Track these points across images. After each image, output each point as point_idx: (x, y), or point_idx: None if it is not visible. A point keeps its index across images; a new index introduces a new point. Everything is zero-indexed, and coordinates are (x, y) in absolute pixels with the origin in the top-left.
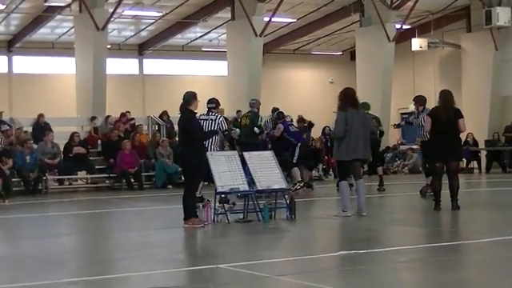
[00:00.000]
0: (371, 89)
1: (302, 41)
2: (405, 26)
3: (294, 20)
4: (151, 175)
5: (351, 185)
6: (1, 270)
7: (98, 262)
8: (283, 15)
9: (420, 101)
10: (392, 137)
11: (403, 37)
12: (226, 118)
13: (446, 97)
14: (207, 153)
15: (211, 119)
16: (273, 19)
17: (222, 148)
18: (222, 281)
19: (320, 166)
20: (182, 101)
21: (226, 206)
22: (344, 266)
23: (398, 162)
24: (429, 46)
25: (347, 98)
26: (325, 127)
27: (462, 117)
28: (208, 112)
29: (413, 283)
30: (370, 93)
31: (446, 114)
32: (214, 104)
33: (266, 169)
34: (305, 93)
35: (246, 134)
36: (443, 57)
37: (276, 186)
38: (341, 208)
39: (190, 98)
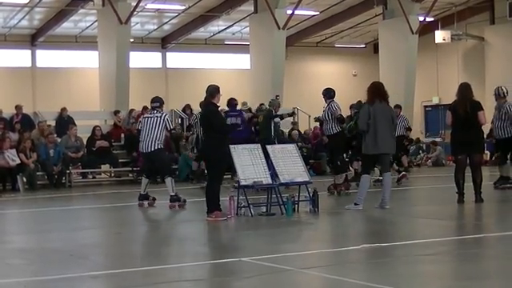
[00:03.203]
0: (394, 81)
1: (324, 34)
2: (428, 19)
3: (317, 13)
4: (174, 169)
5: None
6: (25, 263)
7: (122, 256)
8: (306, 8)
9: (327, 94)
10: (415, 130)
11: (426, 29)
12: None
13: (462, 90)
14: (230, 146)
15: (156, 116)
16: (296, 12)
17: (167, 146)
18: (246, 274)
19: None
20: (204, 94)
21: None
22: (367, 259)
23: (422, 154)
24: (452, 39)
25: (375, 91)
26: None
27: (481, 109)
28: (152, 111)
29: (437, 276)
30: (393, 85)
31: (463, 108)
32: (158, 103)
33: (289, 162)
34: (328, 85)
35: (260, 131)
36: (467, 49)
37: (299, 179)
38: (355, 201)
39: (213, 91)
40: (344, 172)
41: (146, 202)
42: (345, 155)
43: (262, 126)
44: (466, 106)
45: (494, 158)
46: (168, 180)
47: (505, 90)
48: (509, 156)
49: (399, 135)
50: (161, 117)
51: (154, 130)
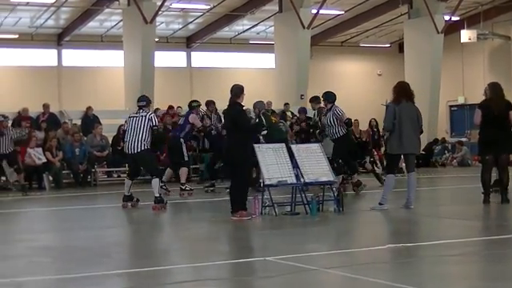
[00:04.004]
0: (420, 81)
1: (349, 33)
2: (454, 18)
3: (342, 12)
4: (198, 168)
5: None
6: (50, 261)
7: (146, 254)
8: (331, 7)
9: (329, 98)
10: (440, 130)
11: (452, 28)
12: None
13: (496, 89)
14: (255, 145)
15: (142, 116)
16: (320, 11)
17: (153, 145)
18: (270, 273)
19: (367, 159)
20: (229, 94)
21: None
22: (392, 259)
23: (447, 154)
24: (478, 38)
25: (402, 91)
26: (371, 120)
27: None
28: (138, 110)
29: (462, 276)
30: (418, 85)
31: (498, 107)
32: (144, 102)
33: (314, 161)
34: (353, 85)
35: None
36: (493, 48)
37: (324, 179)
38: (380, 200)
39: (238, 91)
40: (341, 174)
41: (129, 203)
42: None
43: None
44: (500, 104)
45: None
46: (155, 181)
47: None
48: None
49: None
50: (146, 116)
51: (139, 131)
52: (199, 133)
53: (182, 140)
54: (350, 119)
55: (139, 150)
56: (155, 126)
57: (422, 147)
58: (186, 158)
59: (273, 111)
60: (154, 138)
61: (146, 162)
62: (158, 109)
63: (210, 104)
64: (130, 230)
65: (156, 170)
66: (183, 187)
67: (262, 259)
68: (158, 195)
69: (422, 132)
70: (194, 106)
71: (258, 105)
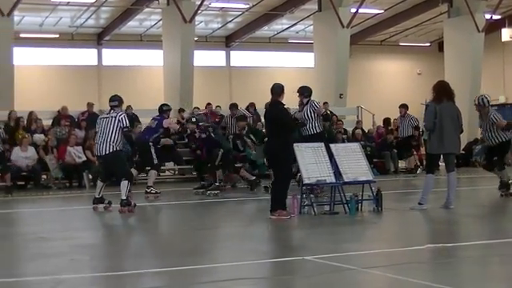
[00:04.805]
0: (460, 80)
1: (389, 32)
2: (494, 17)
3: (381, 11)
4: (238, 167)
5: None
6: (90, 259)
7: (186, 253)
8: (370, 6)
9: (305, 92)
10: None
11: (493, 27)
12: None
13: None
14: (294, 145)
15: (112, 116)
16: (360, 10)
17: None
18: (309, 273)
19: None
20: (269, 93)
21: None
22: (431, 260)
23: None
24: None
25: (442, 90)
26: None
27: None
28: (110, 110)
29: (503, 277)
30: (458, 84)
31: None
32: (116, 102)
33: (353, 161)
34: (392, 84)
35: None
36: None
37: (363, 178)
38: (419, 200)
39: (279, 89)
40: None
41: (100, 206)
42: None
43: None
44: None
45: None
46: (123, 183)
47: (488, 98)
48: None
49: (407, 136)
50: (116, 117)
51: (109, 132)
52: (178, 134)
53: (150, 143)
54: (328, 113)
55: (107, 152)
56: (126, 127)
57: (462, 147)
58: (156, 162)
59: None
60: (126, 140)
61: (115, 163)
62: (196, 108)
63: (232, 108)
64: (169, 229)
65: (125, 173)
66: (148, 190)
67: (300, 258)
68: (124, 198)
69: (462, 131)
70: (165, 109)
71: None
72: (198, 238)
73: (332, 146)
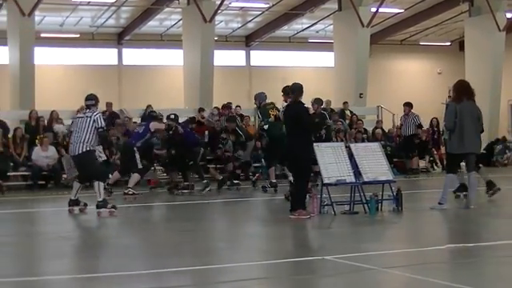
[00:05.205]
0: (480, 80)
1: (409, 31)
2: None
3: (402, 10)
4: (259, 166)
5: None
6: (105, 258)
7: (203, 252)
8: (390, 5)
9: (291, 92)
10: (501, 129)
11: None
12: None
13: None
14: (314, 144)
15: (87, 116)
16: (380, 9)
17: (101, 145)
18: (328, 272)
19: (427, 158)
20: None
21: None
22: (451, 260)
23: (508, 154)
24: None
25: (463, 90)
26: (432, 119)
27: None
28: (86, 109)
29: None
30: (479, 84)
31: None
32: (92, 101)
33: (373, 160)
34: (412, 84)
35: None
36: None
37: (382, 178)
38: (439, 200)
39: (300, 89)
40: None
41: (76, 208)
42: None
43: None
44: None
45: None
46: (96, 184)
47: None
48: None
49: (410, 135)
50: (91, 117)
51: (82, 132)
52: (168, 131)
53: (135, 149)
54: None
55: (80, 152)
56: (101, 127)
57: (483, 146)
58: (140, 166)
59: (273, 105)
60: (100, 140)
61: (87, 164)
62: (216, 107)
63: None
64: (188, 228)
65: (98, 173)
66: (126, 191)
67: (320, 258)
68: (101, 199)
69: (482, 131)
70: (154, 116)
71: (258, 96)
72: (216, 237)
73: (352, 145)
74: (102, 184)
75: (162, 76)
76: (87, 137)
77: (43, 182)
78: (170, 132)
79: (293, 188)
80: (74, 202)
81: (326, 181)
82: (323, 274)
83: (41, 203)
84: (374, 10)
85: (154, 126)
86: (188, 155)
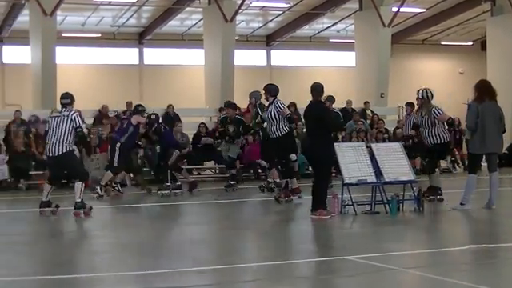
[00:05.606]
0: (503, 79)
1: (430, 31)
2: None
3: (423, 10)
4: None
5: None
6: (130, 257)
7: (226, 252)
8: (412, 5)
9: (270, 91)
10: None
11: None
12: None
13: None
14: (335, 144)
15: (64, 115)
16: (401, 9)
17: (76, 144)
18: (349, 272)
19: (448, 158)
20: (308, 92)
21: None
22: (473, 260)
23: None
24: None
25: (485, 90)
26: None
27: None
28: (62, 108)
29: None
30: (501, 84)
31: None
32: (68, 99)
33: (394, 160)
34: (434, 84)
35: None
36: None
37: (404, 178)
38: (460, 200)
39: (320, 89)
40: (295, 176)
41: (47, 210)
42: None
43: None
44: None
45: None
46: (78, 184)
47: (432, 92)
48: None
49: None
50: (68, 116)
51: (60, 132)
52: (150, 127)
53: (118, 145)
54: (292, 115)
55: (60, 153)
56: (79, 127)
57: (505, 146)
58: (116, 165)
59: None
60: (78, 140)
61: (68, 165)
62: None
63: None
64: (210, 228)
65: (79, 174)
66: (97, 187)
67: (341, 258)
68: (79, 200)
69: (504, 131)
70: (140, 110)
71: (254, 95)
72: (239, 237)
73: (373, 145)
74: (82, 184)
75: (183, 76)
76: (65, 137)
77: (65, 181)
78: (153, 129)
79: (314, 188)
80: (45, 204)
81: (346, 181)
82: (344, 274)
83: (61, 202)
84: (395, 9)
85: (135, 118)
86: (162, 155)
